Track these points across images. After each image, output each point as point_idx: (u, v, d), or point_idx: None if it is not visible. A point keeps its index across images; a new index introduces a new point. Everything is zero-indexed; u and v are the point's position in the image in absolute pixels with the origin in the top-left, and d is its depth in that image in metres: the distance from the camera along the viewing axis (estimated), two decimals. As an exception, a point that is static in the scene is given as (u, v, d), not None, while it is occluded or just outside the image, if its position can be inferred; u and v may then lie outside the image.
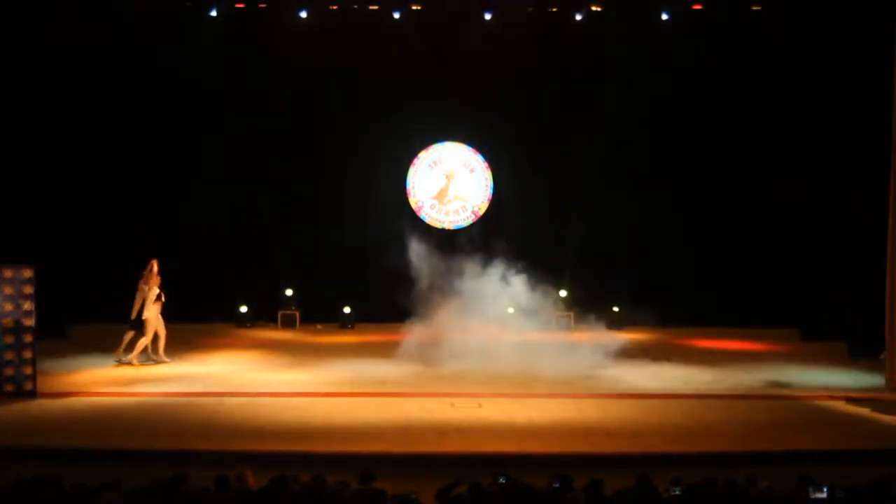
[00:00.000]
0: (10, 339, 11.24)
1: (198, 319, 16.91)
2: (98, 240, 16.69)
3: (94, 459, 8.49)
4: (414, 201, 18.26)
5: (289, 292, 17.60)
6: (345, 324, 17.58)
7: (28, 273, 11.39)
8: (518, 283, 14.61)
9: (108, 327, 15.99)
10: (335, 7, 16.77)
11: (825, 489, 6.10)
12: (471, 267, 14.37)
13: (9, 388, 11.20)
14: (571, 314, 16.92)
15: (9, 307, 11.26)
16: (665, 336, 15.97)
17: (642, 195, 17.25)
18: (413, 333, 14.27)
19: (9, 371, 11.23)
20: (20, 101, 15.89)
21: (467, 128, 18.05)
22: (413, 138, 18.06)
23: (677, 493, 6.29)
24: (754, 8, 16.51)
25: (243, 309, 17.45)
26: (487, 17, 16.76)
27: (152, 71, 16.61)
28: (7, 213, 15.68)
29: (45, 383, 11.56)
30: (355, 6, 16.78)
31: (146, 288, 13.49)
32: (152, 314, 13.40)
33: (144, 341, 13.46)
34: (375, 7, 16.76)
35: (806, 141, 16.48)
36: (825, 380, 12.81)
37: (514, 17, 16.78)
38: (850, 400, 11.34)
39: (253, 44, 16.68)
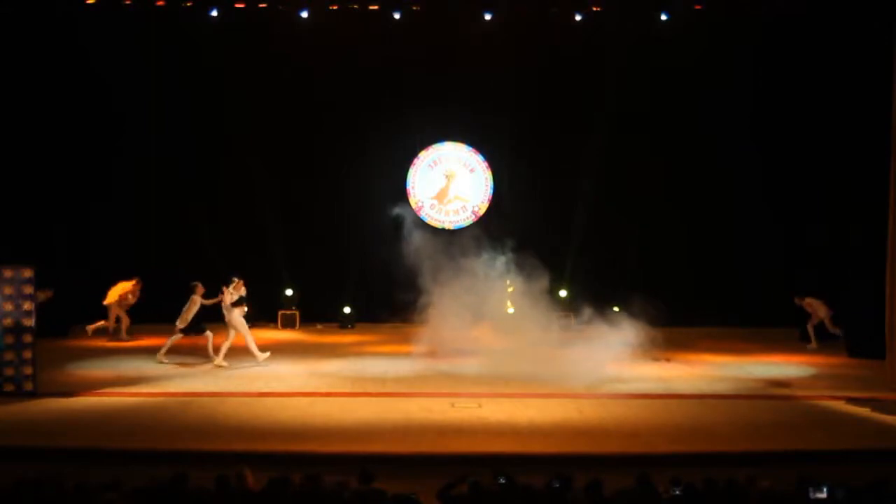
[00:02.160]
0: (10, 339, 11.24)
1: (199, 319, 16.92)
2: (99, 240, 16.74)
3: (94, 459, 8.49)
4: (414, 201, 18.26)
5: (289, 292, 17.59)
6: (345, 324, 17.58)
7: (28, 273, 11.39)
8: (517, 283, 14.61)
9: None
10: (335, 7, 16.76)
11: (825, 489, 6.09)
12: (470, 267, 14.35)
13: (9, 388, 11.20)
14: (571, 314, 16.90)
15: (9, 307, 11.25)
16: (665, 336, 15.93)
17: (643, 195, 17.26)
18: (421, 334, 14.32)
19: (9, 371, 11.23)
20: (21, 99, 15.91)
21: (467, 128, 18.05)
22: (413, 138, 18.06)
23: (677, 493, 6.28)
24: (754, 8, 16.50)
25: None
26: (487, 17, 16.76)
27: (151, 71, 16.64)
28: (10, 212, 15.70)
29: (45, 383, 11.56)
30: (355, 6, 16.78)
31: (226, 296, 13.54)
32: (235, 317, 13.46)
33: (228, 344, 13.49)
34: (375, 7, 16.76)
35: (806, 141, 16.51)
36: (825, 379, 12.83)
37: (514, 17, 16.78)
38: (850, 400, 11.33)
39: (253, 44, 16.68)
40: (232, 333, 13.54)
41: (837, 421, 10.46)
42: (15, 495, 5.99)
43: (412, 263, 14.68)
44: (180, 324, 13.76)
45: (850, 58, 15.07)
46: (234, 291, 13.55)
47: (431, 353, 13.67)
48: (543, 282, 14.78)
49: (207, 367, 13.35)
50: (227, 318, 13.53)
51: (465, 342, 13.79)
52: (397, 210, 16.52)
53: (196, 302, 13.82)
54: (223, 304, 13.56)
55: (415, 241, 14.95)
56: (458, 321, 13.95)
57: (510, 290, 14.89)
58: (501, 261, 14.55)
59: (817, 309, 15.41)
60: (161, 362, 13.49)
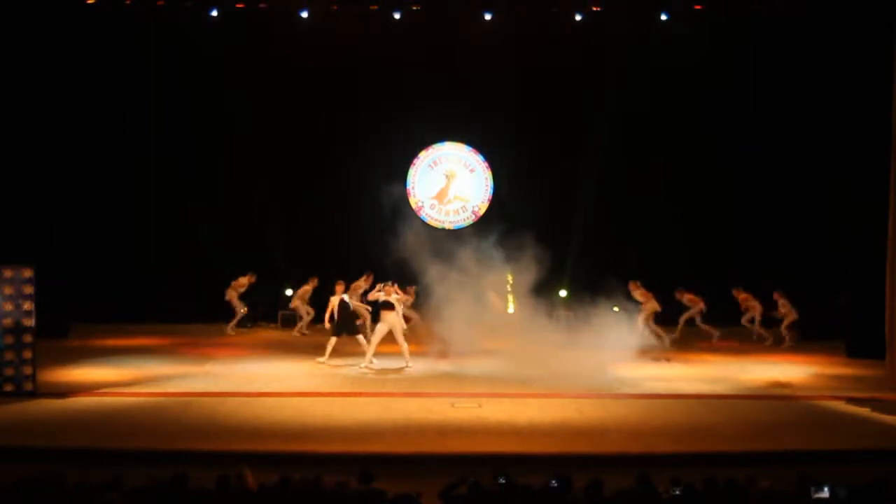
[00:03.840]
0: (9, 340, 11.22)
1: (199, 320, 16.96)
2: (99, 240, 16.75)
3: (94, 459, 8.47)
4: (414, 201, 18.26)
5: (289, 292, 17.58)
6: (345, 324, 17.54)
7: (28, 273, 11.37)
8: (517, 285, 14.63)
9: (110, 327, 16.12)
10: (335, 7, 16.76)
11: (825, 489, 6.09)
12: (470, 267, 14.35)
13: (8, 388, 11.18)
14: (571, 314, 16.89)
15: (9, 307, 11.24)
16: (665, 336, 15.95)
17: (643, 195, 17.26)
18: (423, 334, 14.39)
19: (9, 371, 11.21)
20: (21, 100, 15.91)
21: (467, 128, 18.05)
22: (413, 138, 18.05)
23: (677, 493, 6.28)
24: (754, 8, 16.50)
25: (243, 309, 17.42)
26: (487, 17, 16.76)
27: (151, 71, 16.65)
28: (10, 211, 15.71)
29: (45, 383, 11.56)
30: (355, 6, 16.77)
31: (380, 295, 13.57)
32: (387, 318, 13.40)
33: (405, 347, 13.44)
34: (375, 7, 16.76)
35: (806, 141, 16.51)
36: (825, 379, 12.83)
37: (514, 17, 16.78)
38: (850, 400, 11.34)
39: (253, 44, 16.67)
40: (400, 337, 13.45)
41: (837, 421, 10.46)
42: (15, 495, 5.99)
43: (412, 263, 14.69)
44: (327, 325, 13.81)
45: (850, 58, 15.06)
46: (384, 295, 13.46)
47: (442, 354, 13.70)
48: (544, 281, 14.83)
49: (208, 367, 13.33)
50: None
51: (466, 342, 13.79)
52: (398, 215, 16.52)
53: (331, 302, 13.77)
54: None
55: (414, 241, 14.94)
56: (459, 321, 13.96)
57: (510, 280, 14.90)
58: (501, 261, 14.55)
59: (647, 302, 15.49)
60: (319, 362, 13.50)
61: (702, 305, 15.76)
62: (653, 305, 15.30)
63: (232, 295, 16.54)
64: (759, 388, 12.22)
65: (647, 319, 15.21)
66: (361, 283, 15.63)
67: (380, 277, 14.38)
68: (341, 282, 14.09)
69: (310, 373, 13.05)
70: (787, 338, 15.57)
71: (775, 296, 15.71)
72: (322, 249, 17.33)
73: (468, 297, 14.01)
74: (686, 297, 15.72)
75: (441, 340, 13.89)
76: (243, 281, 16.58)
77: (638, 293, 15.48)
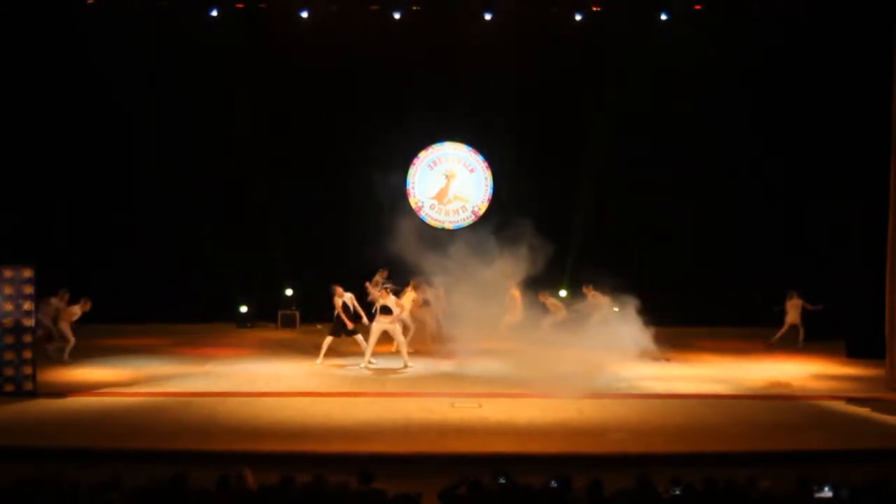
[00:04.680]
0: (9, 339, 11.22)
1: (199, 319, 16.96)
2: (99, 240, 16.75)
3: (94, 459, 8.48)
4: (414, 201, 18.25)
5: (289, 292, 17.59)
6: (345, 324, 17.54)
7: (28, 273, 11.38)
8: (518, 284, 14.62)
9: (110, 327, 16.10)
10: (335, 7, 16.76)
11: (826, 488, 6.10)
12: (471, 267, 14.34)
13: (9, 388, 11.20)
14: (571, 314, 16.86)
15: (9, 307, 11.24)
16: (665, 336, 15.94)
17: (643, 195, 17.25)
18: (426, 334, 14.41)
19: (9, 371, 11.23)
20: (21, 100, 15.91)
21: (467, 128, 18.04)
22: (413, 138, 18.05)
23: (677, 493, 6.29)
24: (754, 8, 16.50)
25: (243, 309, 17.44)
26: (487, 17, 16.76)
27: (152, 71, 16.65)
28: (10, 211, 15.71)
29: (45, 383, 11.55)
30: (355, 6, 16.77)
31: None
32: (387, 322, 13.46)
33: (403, 349, 13.61)
34: (375, 7, 16.76)
35: (806, 141, 16.51)
36: (825, 379, 12.83)
37: (514, 17, 16.78)
38: (850, 400, 11.35)
39: (253, 44, 16.67)
40: (399, 338, 13.65)
41: (837, 421, 10.47)
42: (15, 495, 5.99)
43: (412, 263, 14.68)
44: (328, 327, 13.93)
45: (850, 58, 15.06)
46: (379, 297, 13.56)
47: (447, 354, 13.71)
48: (544, 281, 14.81)
49: (208, 367, 13.33)
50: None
51: (467, 342, 13.78)
52: (398, 215, 16.48)
53: (336, 304, 13.78)
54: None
55: (414, 241, 14.93)
56: (460, 321, 13.95)
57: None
58: (501, 261, 14.54)
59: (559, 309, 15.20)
60: (317, 364, 13.50)
61: (564, 312, 15.31)
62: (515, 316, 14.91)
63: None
64: (760, 388, 12.23)
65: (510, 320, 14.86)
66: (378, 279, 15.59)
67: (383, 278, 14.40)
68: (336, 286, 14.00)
69: (310, 373, 13.05)
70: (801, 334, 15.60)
71: (788, 294, 15.64)
72: (322, 249, 17.32)
73: (469, 296, 13.99)
74: (549, 302, 15.31)
75: (448, 340, 13.88)
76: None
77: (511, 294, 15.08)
